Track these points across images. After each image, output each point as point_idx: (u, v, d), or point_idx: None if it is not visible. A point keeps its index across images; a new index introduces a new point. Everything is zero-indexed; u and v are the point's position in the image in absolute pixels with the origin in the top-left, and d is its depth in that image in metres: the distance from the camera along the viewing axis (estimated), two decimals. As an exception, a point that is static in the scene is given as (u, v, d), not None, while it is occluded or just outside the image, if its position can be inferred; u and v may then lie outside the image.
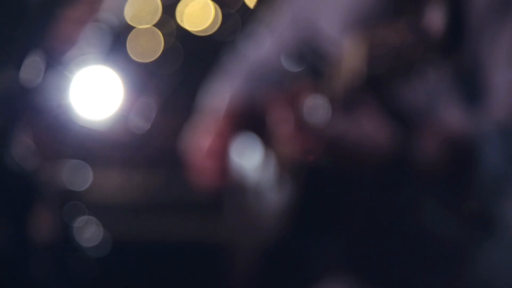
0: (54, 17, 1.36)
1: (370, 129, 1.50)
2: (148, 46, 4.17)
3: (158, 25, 4.03)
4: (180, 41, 4.28)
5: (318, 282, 1.96)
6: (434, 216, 1.87)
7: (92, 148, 4.02)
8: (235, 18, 3.92)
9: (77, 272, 1.72)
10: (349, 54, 1.38)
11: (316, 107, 1.46)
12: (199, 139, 1.98)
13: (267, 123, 2.11)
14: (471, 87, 1.80)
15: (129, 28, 4.15)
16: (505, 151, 1.63)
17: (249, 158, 2.17)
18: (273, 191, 1.95)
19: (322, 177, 1.72)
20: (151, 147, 4.00)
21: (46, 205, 1.62)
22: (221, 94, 2.23)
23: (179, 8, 3.82)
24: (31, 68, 1.39)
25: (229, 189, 2.01)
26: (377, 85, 1.32)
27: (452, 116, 1.70)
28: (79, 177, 3.89)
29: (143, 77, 4.05)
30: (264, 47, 2.24)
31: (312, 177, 1.72)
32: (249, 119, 2.15)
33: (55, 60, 2.08)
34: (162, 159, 4.21)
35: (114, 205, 4.22)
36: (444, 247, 1.87)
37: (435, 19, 1.20)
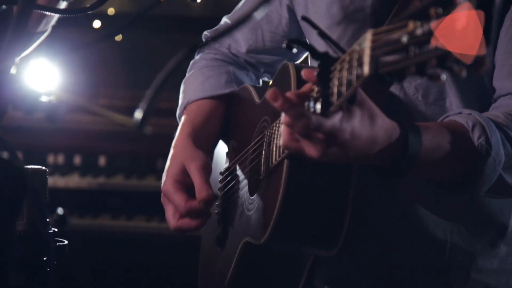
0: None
1: (372, 126, 1.50)
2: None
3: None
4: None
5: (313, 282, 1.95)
6: (433, 215, 1.88)
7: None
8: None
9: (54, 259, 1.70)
10: (353, 52, 1.36)
11: (317, 102, 1.44)
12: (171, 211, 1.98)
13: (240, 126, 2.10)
14: (472, 88, 1.81)
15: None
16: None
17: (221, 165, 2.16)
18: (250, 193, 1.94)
19: (318, 172, 1.70)
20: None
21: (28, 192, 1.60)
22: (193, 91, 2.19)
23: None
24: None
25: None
26: (381, 83, 1.31)
27: (454, 113, 1.71)
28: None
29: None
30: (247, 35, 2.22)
31: (308, 172, 1.70)
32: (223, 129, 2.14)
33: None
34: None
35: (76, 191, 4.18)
36: (443, 246, 1.88)
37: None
